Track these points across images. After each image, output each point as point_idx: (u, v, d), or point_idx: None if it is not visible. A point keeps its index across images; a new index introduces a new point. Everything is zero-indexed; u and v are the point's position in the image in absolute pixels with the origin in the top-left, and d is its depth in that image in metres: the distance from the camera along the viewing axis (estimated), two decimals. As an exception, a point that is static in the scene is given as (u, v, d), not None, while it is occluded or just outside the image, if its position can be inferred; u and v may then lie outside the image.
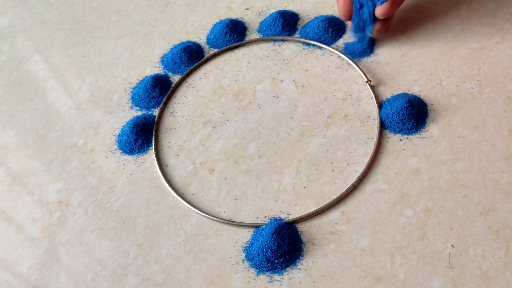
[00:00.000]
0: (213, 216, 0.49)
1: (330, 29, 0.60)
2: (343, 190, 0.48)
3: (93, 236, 0.49)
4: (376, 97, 0.54)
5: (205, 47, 0.63)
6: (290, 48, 0.61)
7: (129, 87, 0.61)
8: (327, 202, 0.48)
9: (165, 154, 0.54)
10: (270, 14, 0.64)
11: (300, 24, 0.63)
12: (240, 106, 0.57)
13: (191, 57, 0.61)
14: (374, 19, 0.54)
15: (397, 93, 0.54)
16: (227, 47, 0.62)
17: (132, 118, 0.57)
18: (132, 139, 0.55)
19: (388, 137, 0.51)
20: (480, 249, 0.43)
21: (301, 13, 0.64)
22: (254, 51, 0.62)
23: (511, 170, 0.47)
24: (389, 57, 0.57)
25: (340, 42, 0.60)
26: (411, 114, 0.51)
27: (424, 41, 0.58)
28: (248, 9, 0.66)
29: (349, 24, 0.56)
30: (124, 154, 0.55)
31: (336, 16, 0.62)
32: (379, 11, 0.51)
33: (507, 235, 0.43)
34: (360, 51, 0.57)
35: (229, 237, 0.47)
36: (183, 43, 0.63)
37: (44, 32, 0.70)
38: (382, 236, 0.45)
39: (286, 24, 0.62)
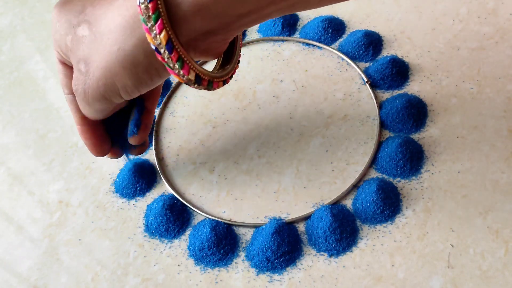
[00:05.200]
0: (213, 216, 0.49)
1: (330, 29, 0.60)
2: (343, 190, 0.48)
3: (93, 236, 0.49)
4: (376, 97, 0.54)
5: (205, 47, 0.63)
6: (290, 48, 0.61)
7: (129, 87, 0.61)
8: (327, 202, 0.48)
9: (165, 154, 0.54)
10: (270, 14, 0.64)
11: (300, 24, 0.63)
12: (240, 106, 0.57)
13: (191, 57, 0.61)
14: (130, 145, 0.48)
15: (397, 93, 0.54)
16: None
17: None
18: (132, 139, 0.55)
19: (388, 137, 0.51)
20: (480, 249, 0.43)
21: (301, 13, 0.64)
22: (254, 51, 0.62)
23: (511, 170, 0.47)
24: (389, 57, 0.57)
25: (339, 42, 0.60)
26: (411, 114, 0.51)
27: (424, 41, 0.58)
28: (248, 9, 0.66)
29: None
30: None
31: (336, 16, 0.62)
32: (133, 141, 0.46)
33: (506, 235, 0.43)
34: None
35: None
36: (183, 43, 0.63)
37: (45, 32, 0.70)
38: (382, 235, 0.45)
39: (286, 24, 0.62)
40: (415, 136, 0.51)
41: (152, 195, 0.51)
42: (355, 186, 0.49)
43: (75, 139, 0.57)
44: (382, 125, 0.52)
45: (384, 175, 0.49)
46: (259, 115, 0.56)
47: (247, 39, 0.63)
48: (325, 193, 0.49)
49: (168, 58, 0.34)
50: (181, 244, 0.48)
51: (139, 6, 0.33)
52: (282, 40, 0.62)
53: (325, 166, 0.50)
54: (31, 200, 0.53)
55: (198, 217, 0.49)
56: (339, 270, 0.44)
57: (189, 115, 0.57)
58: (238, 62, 0.42)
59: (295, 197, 0.49)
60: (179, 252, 0.47)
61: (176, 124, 0.57)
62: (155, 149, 0.55)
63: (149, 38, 0.34)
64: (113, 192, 0.52)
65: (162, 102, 0.58)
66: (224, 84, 0.40)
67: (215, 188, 0.51)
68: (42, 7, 0.73)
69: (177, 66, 0.35)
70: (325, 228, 0.45)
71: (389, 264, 0.44)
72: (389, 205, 0.46)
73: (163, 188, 0.52)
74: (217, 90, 0.59)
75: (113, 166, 0.54)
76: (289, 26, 0.62)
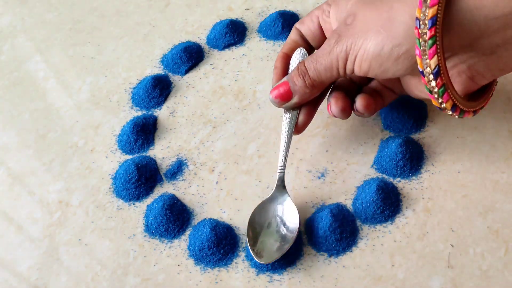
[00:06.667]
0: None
1: (330, 29, 0.60)
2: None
3: (93, 236, 0.49)
4: (376, 97, 0.54)
5: (205, 47, 0.63)
6: (290, 48, 0.61)
7: (129, 87, 0.61)
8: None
9: (165, 154, 0.54)
10: (270, 14, 0.64)
11: (300, 24, 0.63)
12: (240, 106, 0.57)
13: (191, 57, 0.61)
14: None
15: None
16: (227, 47, 0.62)
17: (132, 118, 0.57)
18: (132, 139, 0.55)
19: (388, 137, 0.51)
20: (480, 249, 0.43)
21: (301, 13, 0.64)
22: (254, 51, 0.62)
23: (511, 170, 0.47)
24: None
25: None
26: (411, 114, 0.51)
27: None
28: (248, 9, 0.66)
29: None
30: (124, 154, 0.55)
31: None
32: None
33: (506, 235, 0.43)
34: None
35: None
36: (183, 43, 0.64)
37: (45, 32, 0.70)
38: (382, 236, 0.45)
39: (286, 24, 0.62)
40: (415, 136, 0.51)
41: (152, 195, 0.51)
42: (355, 186, 0.49)
43: (75, 139, 0.57)
44: (382, 125, 0.52)
45: (384, 175, 0.49)
46: (259, 115, 0.56)
47: (247, 39, 0.63)
48: (325, 193, 0.49)
49: (430, 81, 0.34)
50: (181, 244, 0.48)
51: (417, 28, 0.33)
52: (282, 40, 0.62)
53: (325, 166, 0.50)
54: (31, 200, 0.53)
55: (198, 217, 0.49)
56: (339, 270, 0.44)
57: (189, 115, 0.57)
58: (491, 95, 0.42)
59: (295, 197, 0.49)
60: (179, 252, 0.47)
61: (176, 124, 0.57)
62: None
63: (418, 61, 0.34)
64: (112, 192, 0.52)
65: (162, 102, 0.58)
66: (474, 114, 0.40)
67: (215, 188, 0.51)
68: (42, 7, 0.73)
69: (438, 92, 0.35)
70: (325, 228, 0.45)
71: (389, 264, 0.44)
72: (389, 205, 0.46)
73: (163, 188, 0.52)
74: (217, 90, 0.59)
75: (113, 165, 0.54)
76: (289, 26, 0.62)
